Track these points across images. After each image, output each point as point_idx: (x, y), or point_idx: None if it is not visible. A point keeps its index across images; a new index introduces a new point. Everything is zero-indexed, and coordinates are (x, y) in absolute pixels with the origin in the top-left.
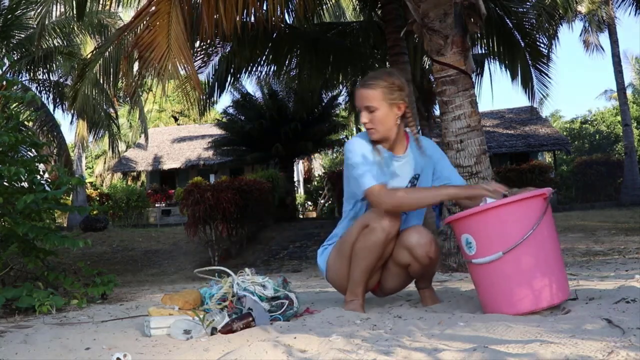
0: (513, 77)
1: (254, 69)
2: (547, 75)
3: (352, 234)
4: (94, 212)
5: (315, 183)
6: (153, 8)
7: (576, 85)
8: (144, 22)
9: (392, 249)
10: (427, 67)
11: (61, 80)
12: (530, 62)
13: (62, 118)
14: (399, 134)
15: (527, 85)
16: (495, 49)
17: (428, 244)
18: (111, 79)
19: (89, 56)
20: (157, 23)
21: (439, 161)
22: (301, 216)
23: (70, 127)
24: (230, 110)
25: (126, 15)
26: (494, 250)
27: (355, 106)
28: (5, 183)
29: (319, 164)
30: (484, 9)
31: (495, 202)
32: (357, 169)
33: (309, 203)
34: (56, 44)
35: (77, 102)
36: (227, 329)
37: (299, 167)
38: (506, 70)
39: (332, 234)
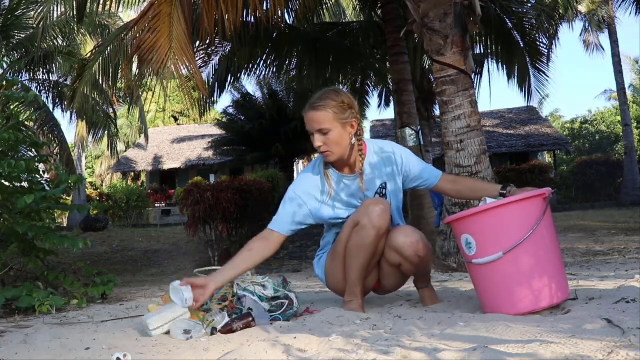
0: (509, 76)
1: (254, 69)
2: (545, 75)
3: (344, 236)
4: (94, 212)
5: None
6: (154, 11)
7: (576, 85)
8: (146, 25)
9: (384, 245)
10: (427, 67)
11: (61, 80)
12: (529, 62)
13: (62, 118)
14: (353, 152)
15: (523, 84)
16: (494, 49)
17: (415, 243)
18: (110, 79)
19: (88, 56)
20: (159, 25)
21: (406, 163)
22: None
23: (69, 126)
24: (230, 110)
25: (126, 15)
26: (494, 251)
27: (306, 130)
28: (5, 182)
29: None
30: (479, 10)
31: (495, 202)
32: (282, 204)
33: None
34: (56, 44)
35: (76, 102)
36: (227, 329)
37: (299, 167)
38: (503, 69)
39: (323, 243)
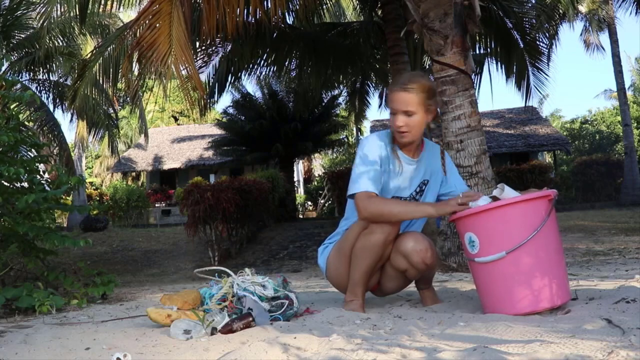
0: (508, 75)
1: (254, 69)
2: (545, 74)
3: (352, 235)
4: (94, 212)
5: (315, 183)
6: (155, 8)
7: (576, 85)
8: (146, 23)
9: (391, 250)
10: (427, 67)
11: (61, 80)
12: (528, 61)
13: (62, 118)
14: (420, 139)
15: (522, 84)
16: (494, 49)
17: (424, 250)
18: (110, 79)
19: (88, 56)
20: (159, 23)
21: (449, 167)
22: (301, 216)
23: (69, 126)
24: (230, 110)
25: (126, 15)
26: (497, 250)
27: (388, 107)
28: (5, 183)
29: (319, 164)
30: (478, 10)
31: (501, 201)
32: (357, 168)
33: (309, 203)
34: (56, 44)
35: (77, 102)
36: (227, 329)
37: (299, 167)
38: (501, 69)
39: (335, 232)
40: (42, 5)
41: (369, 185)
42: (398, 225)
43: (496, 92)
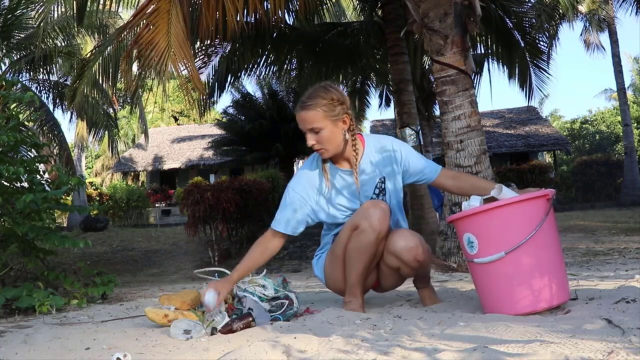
0: (510, 76)
1: (254, 69)
2: (547, 73)
3: (343, 237)
4: (94, 212)
5: None
6: (153, 6)
7: (576, 85)
8: (144, 21)
9: (384, 246)
10: (427, 67)
11: (61, 80)
12: (529, 61)
13: (62, 118)
14: (347, 147)
15: (524, 84)
16: (495, 49)
17: (414, 247)
18: (110, 79)
19: (88, 55)
20: (157, 21)
21: (405, 158)
22: None
23: (69, 126)
24: (230, 110)
25: (126, 15)
26: (496, 250)
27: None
28: (5, 183)
29: None
30: (479, 10)
31: (499, 201)
32: (282, 201)
33: None
34: (56, 44)
35: (76, 101)
36: (227, 329)
37: (299, 167)
38: (504, 69)
39: (322, 243)
40: (40, 4)
41: (278, 225)
42: (387, 222)
43: (496, 92)
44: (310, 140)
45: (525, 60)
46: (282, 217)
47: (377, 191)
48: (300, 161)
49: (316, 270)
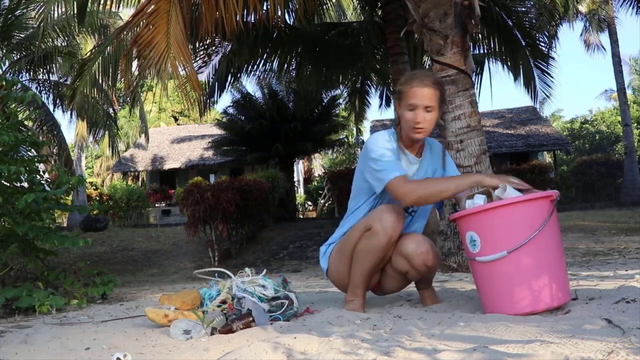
0: (515, 77)
1: (254, 69)
2: (549, 74)
3: (354, 235)
4: (94, 212)
5: (315, 183)
6: (153, 6)
7: (576, 85)
8: (144, 21)
9: (393, 252)
10: (427, 67)
11: (61, 80)
12: (532, 61)
13: (62, 118)
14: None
15: (529, 85)
16: (497, 49)
17: (425, 252)
18: (110, 79)
19: (87, 55)
20: (157, 22)
21: (449, 160)
22: (301, 216)
23: (69, 126)
24: (230, 110)
25: (126, 15)
26: (499, 249)
27: (405, 102)
28: (5, 183)
29: (319, 164)
30: (478, 10)
31: (503, 200)
32: (379, 161)
33: (309, 203)
34: (56, 44)
35: (76, 101)
36: (227, 329)
37: (299, 167)
38: (508, 70)
39: (336, 232)
40: (40, 4)
41: (399, 171)
42: (400, 228)
43: (496, 92)
44: (420, 117)
45: (529, 60)
46: (397, 164)
47: None
48: (301, 161)
49: (322, 259)
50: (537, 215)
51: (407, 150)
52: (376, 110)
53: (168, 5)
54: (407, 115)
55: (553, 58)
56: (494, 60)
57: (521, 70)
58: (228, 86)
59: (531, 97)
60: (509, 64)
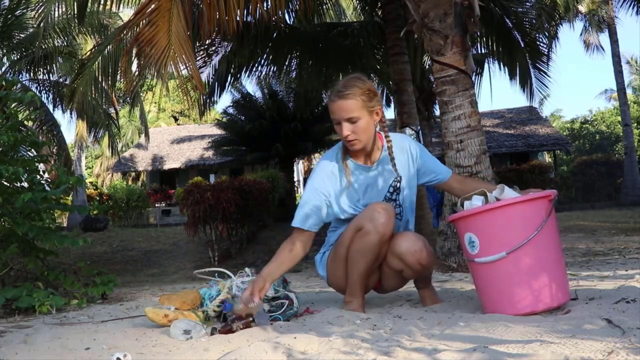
0: (511, 76)
1: (254, 69)
2: (546, 74)
3: (346, 237)
4: (94, 212)
5: None
6: (154, 5)
7: (576, 85)
8: (145, 19)
9: (387, 249)
10: (427, 67)
11: (61, 80)
12: (529, 61)
13: (62, 118)
14: (375, 141)
15: (525, 84)
16: (495, 49)
17: (418, 251)
18: (110, 79)
19: (87, 54)
20: (158, 20)
21: (421, 155)
22: None
23: (68, 126)
24: (230, 110)
25: (126, 15)
26: (497, 250)
27: (332, 119)
28: (5, 183)
29: None
30: (477, 10)
31: (502, 201)
32: (302, 198)
33: None
34: (56, 44)
35: (75, 101)
36: (227, 329)
37: (299, 167)
38: (505, 69)
39: (327, 241)
40: (40, 4)
41: (300, 222)
42: (392, 225)
43: (496, 92)
44: (346, 130)
45: (526, 60)
46: (301, 213)
47: (391, 190)
48: (301, 161)
49: (319, 267)
50: (536, 215)
51: (355, 161)
52: None
53: (169, 3)
54: (336, 129)
55: (551, 58)
56: (493, 60)
57: (517, 70)
58: (228, 86)
59: (527, 96)
60: (505, 63)
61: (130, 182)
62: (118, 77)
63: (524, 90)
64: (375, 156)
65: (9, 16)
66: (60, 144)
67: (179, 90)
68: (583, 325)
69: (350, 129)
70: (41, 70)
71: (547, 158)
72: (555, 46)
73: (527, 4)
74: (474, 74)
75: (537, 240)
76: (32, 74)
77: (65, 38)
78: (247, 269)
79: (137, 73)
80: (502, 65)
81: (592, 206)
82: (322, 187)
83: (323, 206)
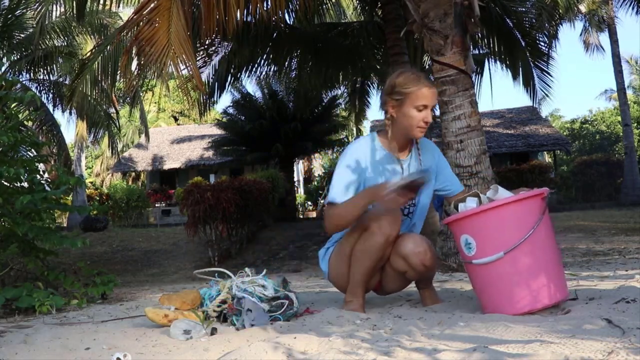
0: (514, 76)
1: (254, 69)
2: (548, 74)
3: (352, 236)
4: (94, 212)
5: (315, 183)
6: (153, 4)
7: (576, 85)
8: (145, 18)
9: (391, 251)
10: (427, 67)
11: (61, 80)
12: (531, 61)
13: (62, 118)
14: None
15: (528, 84)
16: (496, 49)
17: (423, 252)
18: (109, 79)
19: (87, 54)
20: (158, 18)
21: (441, 160)
22: (301, 216)
23: (68, 126)
24: (230, 110)
25: (126, 15)
26: (494, 251)
27: (420, 104)
28: (5, 183)
29: (319, 164)
30: (477, 10)
31: (496, 201)
32: (335, 175)
33: (309, 203)
34: (56, 44)
35: (75, 101)
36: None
37: (299, 167)
38: (507, 70)
39: (331, 237)
40: (39, 4)
41: (341, 197)
42: (398, 227)
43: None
44: (430, 116)
45: (528, 60)
46: (340, 188)
47: None
48: (301, 161)
49: (322, 262)
50: (530, 214)
51: (391, 153)
52: (376, 110)
53: (169, 2)
54: (415, 115)
55: (552, 57)
56: (493, 60)
57: (520, 70)
58: (228, 86)
59: (530, 96)
60: (507, 63)
61: (130, 182)
62: (118, 77)
63: (527, 90)
64: (407, 151)
65: (9, 16)
66: (60, 144)
67: (179, 90)
68: (583, 325)
69: (430, 116)
70: (41, 70)
71: (547, 158)
72: (556, 46)
73: (528, 3)
74: (474, 73)
75: (533, 239)
76: (32, 74)
77: (65, 38)
78: (247, 269)
79: (136, 72)
80: (504, 66)
81: (592, 206)
82: (356, 167)
83: (355, 184)
